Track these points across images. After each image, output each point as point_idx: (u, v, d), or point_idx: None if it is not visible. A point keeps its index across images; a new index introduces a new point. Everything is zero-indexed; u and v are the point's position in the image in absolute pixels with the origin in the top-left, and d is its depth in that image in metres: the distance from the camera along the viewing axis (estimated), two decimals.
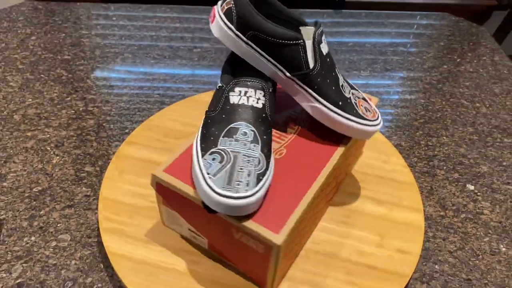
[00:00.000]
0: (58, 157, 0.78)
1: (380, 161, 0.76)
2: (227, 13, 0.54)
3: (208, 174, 0.45)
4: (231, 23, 0.54)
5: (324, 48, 0.53)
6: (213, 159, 0.47)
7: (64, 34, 1.12)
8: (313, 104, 0.55)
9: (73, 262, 0.63)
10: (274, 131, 0.61)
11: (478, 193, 0.76)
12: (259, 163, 0.47)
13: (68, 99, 0.91)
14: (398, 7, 2.31)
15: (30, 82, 0.95)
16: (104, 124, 0.85)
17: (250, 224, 0.46)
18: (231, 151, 0.47)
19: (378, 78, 1.04)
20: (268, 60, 0.56)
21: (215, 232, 0.52)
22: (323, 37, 0.53)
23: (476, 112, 0.95)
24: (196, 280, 0.57)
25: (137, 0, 1.69)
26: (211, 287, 0.56)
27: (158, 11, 1.22)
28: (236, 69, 0.62)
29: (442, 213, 0.72)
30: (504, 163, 0.84)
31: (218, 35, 0.55)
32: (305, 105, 0.57)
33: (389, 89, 1.01)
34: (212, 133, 0.50)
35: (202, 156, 0.48)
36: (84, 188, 0.73)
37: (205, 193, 0.43)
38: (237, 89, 0.54)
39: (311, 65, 0.52)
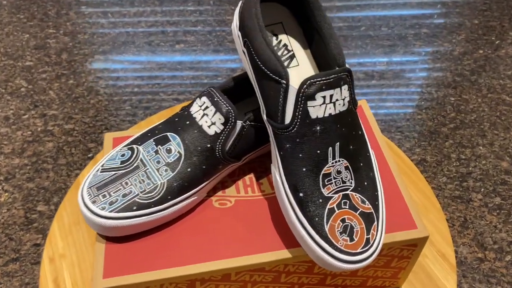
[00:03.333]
0: (7, 194, 0.66)
1: None
2: (241, 6, 0.43)
3: (102, 166, 0.43)
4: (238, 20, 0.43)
5: (317, 110, 0.37)
6: (122, 154, 0.43)
7: (28, 35, 0.99)
8: (274, 172, 0.40)
9: None
10: (239, 174, 0.47)
11: None
12: (151, 192, 0.41)
13: (25, 117, 0.79)
14: None
15: None
16: (64, 148, 0.73)
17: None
18: (141, 158, 0.43)
19: (395, 65, 0.87)
20: (255, 85, 0.41)
21: None
22: (324, 95, 0.37)
23: None
24: None
25: None
26: None
27: (136, 2, 1.07)
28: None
29: (480, 255, 0.57)
30: None
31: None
32: (272, 166, 0.42)
33: (410, 83, 0.83)
34: (153, 129, 0.45)
35: (125, 144, 0.45)
36: (34, 235, 0.61)
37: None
38: (203, 99, 0.44)
39: (287, 120, 0.37)
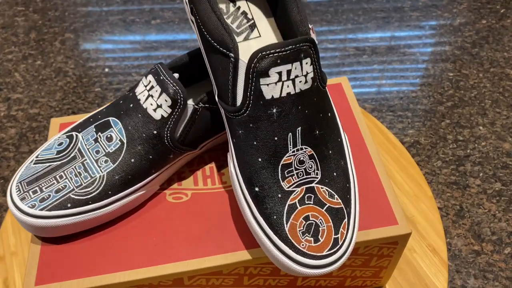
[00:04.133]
0: None
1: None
2: None
3: (36, 157, 0.37)
4: None
5: (272, 89, 0.31)
6: (60, 143, 0.38)
7: None
8: (229, 162, 0.36)
9: None
10: (199, 164, 0.42)
11: None
12: (88, 187, 0.36)
13: None
14: None
15: None
16: (28, 134, 0.68)
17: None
18: (80, 147, 0.38)
19: (389, 39, 0.80)
20: (205, 60, 0.36)
21: None
22: (280, 70, 0.31)
23: None
24: None
25: None
26: None
27: None
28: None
29: (476, 247, 0.52)
30: None
31: None
32: (228, 155, 0.37)
33: (404, 58, 0.77)
34: (96, 114, 0.40)
35: (65, 131, 0.40)
36: None
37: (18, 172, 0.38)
38: (149, 78, 0.38)
39: (238, 101, 0.32)
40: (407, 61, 0.77)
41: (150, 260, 0.36)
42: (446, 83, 0.72)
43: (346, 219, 0.33)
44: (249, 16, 0.39)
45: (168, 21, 0.88)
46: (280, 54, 0.30)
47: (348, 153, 0.36)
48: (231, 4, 0.39)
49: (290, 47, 0.30)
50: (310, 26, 0.35)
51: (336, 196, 0.33)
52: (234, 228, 0.38)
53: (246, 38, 0.38)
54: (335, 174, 0.34)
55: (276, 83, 0.31)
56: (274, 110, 0.31)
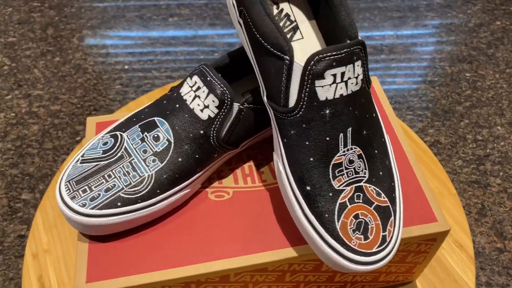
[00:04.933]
0: None
1: None
2: None
3: (82, 156, 0.38)
4: None
5: (327, 91, 0.32)
6: (105, 142, 0.39)
7: (11, 9, 0.93)
8: (277, 161, 0.37)
9: None
10: (237, 163, 0.43)
11: None
12: (137, 186, 0.37)
13: (8, 97, 0.74)
14: None
15: None
16: (50, 131, 0.68)
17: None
18: (126, 146, 0.38)
19: (406, 39, 0.81)
20: (253, 62, 0.36)
21: None
22: (335, 72, 0.32)
23: None
24: None
25: None
26: None
27: None
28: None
29: (499, 245, 0.53)
30: None
31: None
32: (274, 154, 0.37)
33: (421, 58, 0.78)
34: (139, 114, 0.41)
35: (108, 130, 0.40)
36: (18, 226, 0.58)
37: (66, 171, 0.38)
38: (194, 79, 0.39)
39: (291, 102, 0.33)
40: (424, 61, 0.78)
41: (198, 258, 0.37)
42: (463, 83, 0.73)
43: (392, 217, 0.34)
44: (292, 18, 0.39)
45: (185, 18, 0.88)
46: (336, 57, 0.31)
47: (391, 152, 0.37)
48: (274, 6, 0.39)
49: (345, 50, 0.31)
50: None
51: (383, 194, 0.34)
52: (278, 225, 0.38)
53: (289, 40, 0.39)
54: (381, 173, 0.35)
55: (330, 85, 0.32)
56: (327, 111, 0.32)
